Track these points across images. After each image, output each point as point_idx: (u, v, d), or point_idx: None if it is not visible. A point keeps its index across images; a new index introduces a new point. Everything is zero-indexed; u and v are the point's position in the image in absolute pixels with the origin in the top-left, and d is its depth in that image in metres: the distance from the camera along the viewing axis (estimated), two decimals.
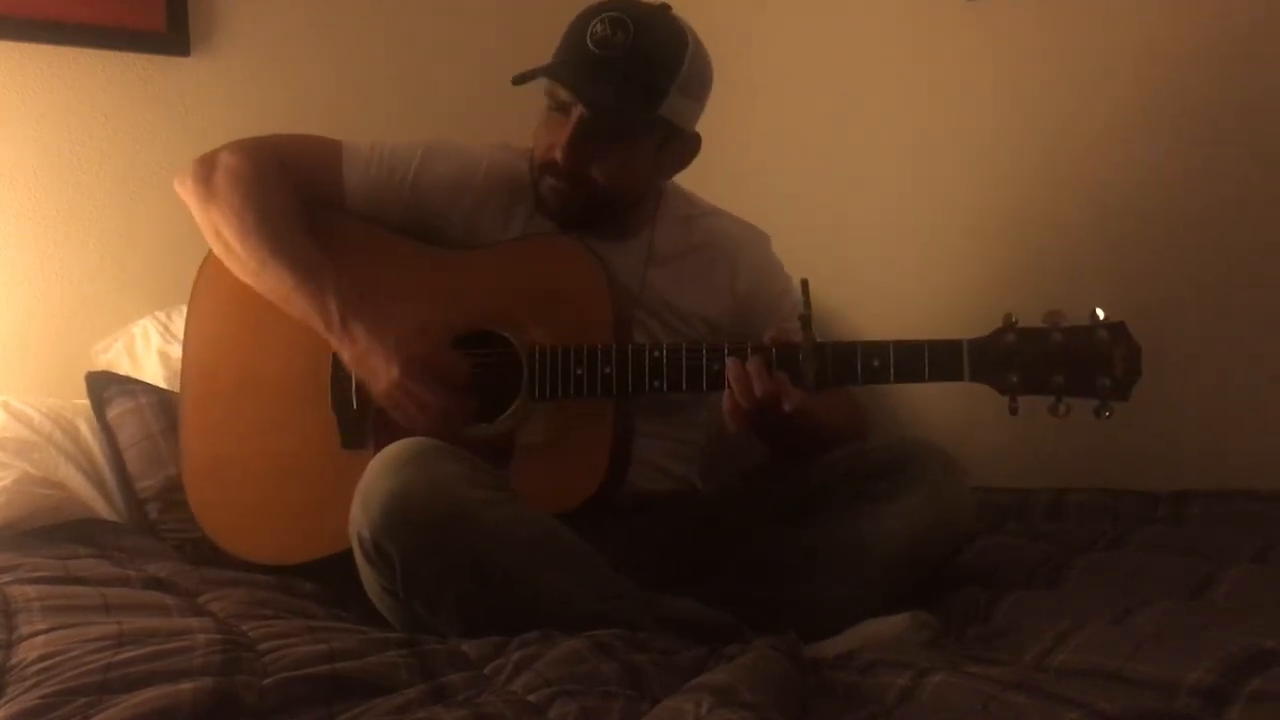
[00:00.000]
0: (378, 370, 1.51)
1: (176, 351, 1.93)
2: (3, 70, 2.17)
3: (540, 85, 1.59)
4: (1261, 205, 1.73)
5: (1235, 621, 1.18)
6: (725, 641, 1.31)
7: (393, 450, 1.37)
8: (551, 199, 1.61)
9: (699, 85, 1.62)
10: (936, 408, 2.13)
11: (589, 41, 1.53)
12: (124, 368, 2.11)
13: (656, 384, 1.48)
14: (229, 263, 1.64)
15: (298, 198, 1.63)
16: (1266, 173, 1.71)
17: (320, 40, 2.45)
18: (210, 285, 1.71)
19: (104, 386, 1.95)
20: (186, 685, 1.03)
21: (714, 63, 1.64)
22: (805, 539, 1.50)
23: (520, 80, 1.56)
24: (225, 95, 2.34)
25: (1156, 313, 1.81)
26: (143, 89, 2.27)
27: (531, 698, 1.07)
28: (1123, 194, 1.87)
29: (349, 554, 1.42)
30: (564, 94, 1.56)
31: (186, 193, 1.67)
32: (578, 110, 1.55)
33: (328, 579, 1.54)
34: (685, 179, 1.75)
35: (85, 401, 1.95)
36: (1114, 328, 1.35)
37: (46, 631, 1.20)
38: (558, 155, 1.57)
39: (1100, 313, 1.35)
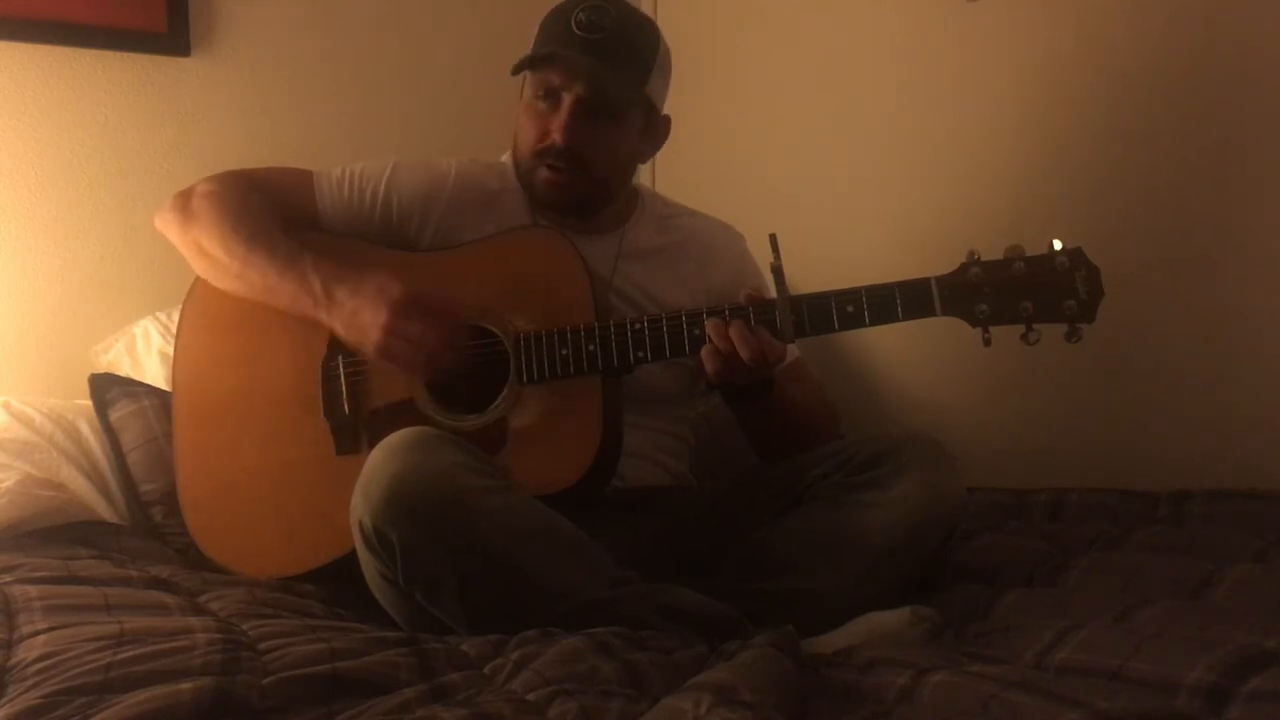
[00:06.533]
0: (368, 324, 1.52)
1: None
2: (3, 70, 2.17)
3: (514, 89, 1.64)
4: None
5: (1235, 621, 1.18)
6: (726, 633, 1.31)
7: (394, 438, 1.38)
8: (548, 188, 1.64)
9: (669, 65, 1.68)
10: (936, 408, 2.13)
11: (575, 28, 1.58)
12: (125, 368, 2.11)
13: (641, 354, 1.51)
14: (212, 276, 1.67)
15: (274, 214, 1.67)
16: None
17: (320, 40, 2.45)
18: (196, 314, 1.74)
19: (107, 388, 1.95)
20: (187, 684, 1.03)
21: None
22: (801, 531, 1.50)
23: (519, 69, 1.61)
24: (225, 95, 2.35)
25: (1157, 313, 1.82)
26: (143, 89, 2.28)
27: (531, 697, 1.07)
28: (1119, 200, 1.87)
29: (350, 557, 1.42)
30: (558, 79, 1.60)
31: (167, 224, 1.71)
32: (574, 91, 1.59)
33: (328, 580, 1.54)
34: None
35: (86, 402, 1.95)
36: (1072, 253, 1.39)
37: (47, 631, 1.20)
38: (557, 137, 1.60)
39: (1057, 243, 1.40)
